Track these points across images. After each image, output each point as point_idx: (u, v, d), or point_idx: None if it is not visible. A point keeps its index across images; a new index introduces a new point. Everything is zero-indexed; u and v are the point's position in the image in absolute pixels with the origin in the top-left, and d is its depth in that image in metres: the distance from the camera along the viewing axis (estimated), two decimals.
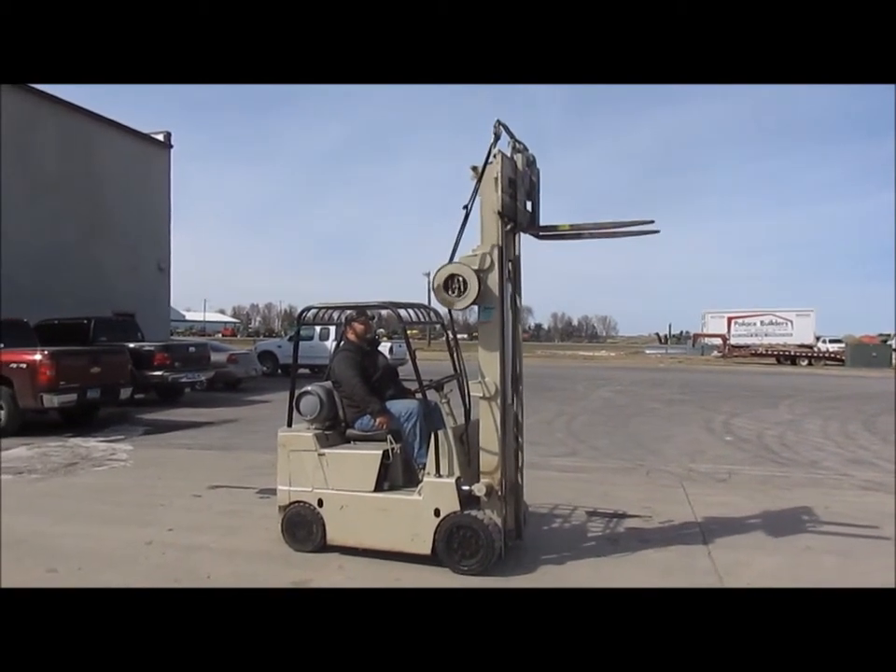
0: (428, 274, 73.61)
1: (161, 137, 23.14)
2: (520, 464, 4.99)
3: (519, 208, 4.83)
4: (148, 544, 5.14)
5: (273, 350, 22.79)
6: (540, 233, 5.19)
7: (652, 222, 4.83)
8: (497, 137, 4.52)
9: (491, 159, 4.50)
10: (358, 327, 5.29)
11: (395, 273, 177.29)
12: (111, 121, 21.02)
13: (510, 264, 4.83)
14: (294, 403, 5.14)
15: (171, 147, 23.49)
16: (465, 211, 4.52)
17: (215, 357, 16.35)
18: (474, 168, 4.54)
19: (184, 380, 14.25)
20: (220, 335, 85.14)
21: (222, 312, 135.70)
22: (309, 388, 5.14)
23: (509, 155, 4.75)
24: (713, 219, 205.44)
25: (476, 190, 4.53)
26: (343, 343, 5.38)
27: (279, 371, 22.19)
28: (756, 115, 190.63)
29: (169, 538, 5.31)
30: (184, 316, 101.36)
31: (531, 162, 5.08)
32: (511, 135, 4.79)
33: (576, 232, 5.09)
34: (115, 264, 20.32)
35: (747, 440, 10.79)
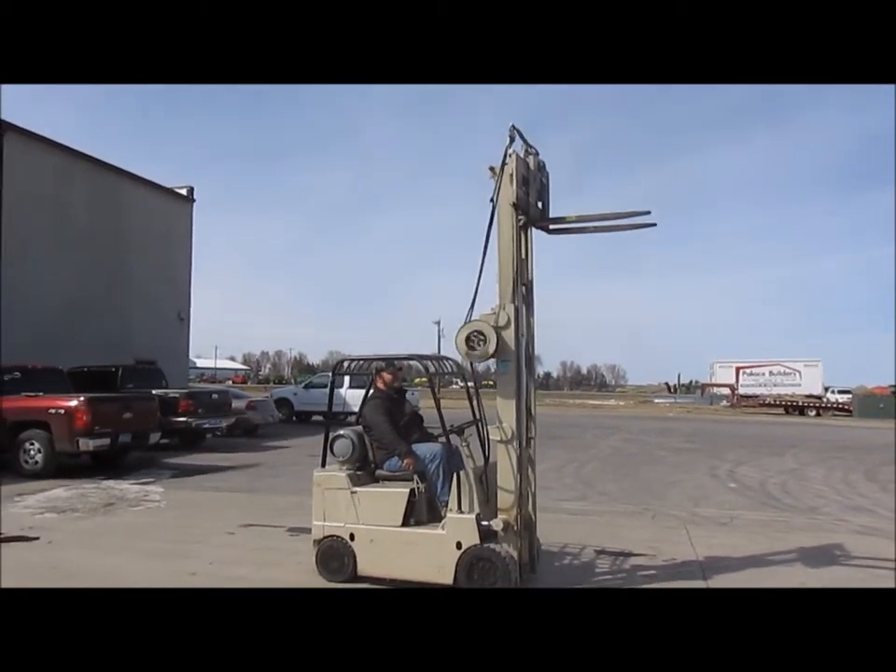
0: (438, 323, 74.94)
1: (184, 192, 24.16)
2: (533, 502, 5.48)
3: (531, 203, 5.44)
4: (193, 575, 5.61)
5: (288, 397, 23.35)
6: (550, 227, 5.76)
7: (649, 213, 5.42)
8: (512, 140, 5.16)
9: (507, 159, 5.13)
10: (387, 376, 5.84)
11: (404, 321, 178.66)
12: (138, 177, 22.02)
13: (523, 288, 5.38)
14: (328, 446, 5.66)
15: (193, 200, 24.49)
16: (491, 204, 5.13)
17: (234, 403, 16.91)
18: (492, 168, 5.17)
19: (206, 426, 14.80)
20: (231, 382, 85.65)
21: (232, 359, 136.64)
22: (342, 432, 5.66)
23: (522, 156, 5.36)
24: (722, 269, 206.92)
25: (498, 186, 5.12)
26: (373, 391, 5.92)
27: (294, 417, 22.74)
28: (765, 163, 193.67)
29: (211, 570, 5.78)
30: (195, 363, 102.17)
31: (541, 167, 5.69)
32: (524, 140, 5.40)
33: (581, 225, 5.69)
34: (137, 314, 21.06)
35: (750, 486, 11.19)
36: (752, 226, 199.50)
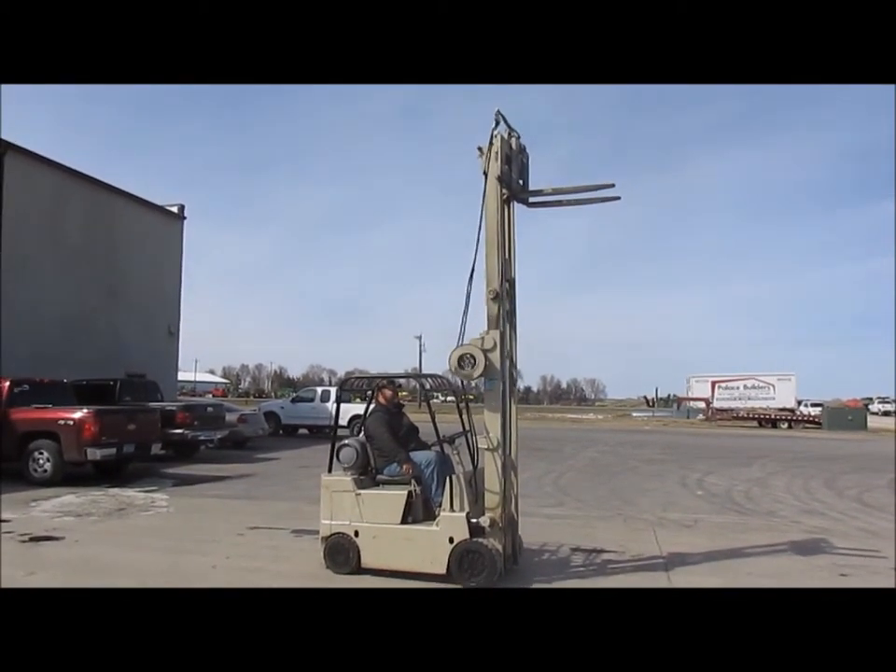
0: (420, 337, 76.58)
1: (175, 209, 24.79)
2: (516, 503, 6.23)
3: (514, 178, 6.20)
4: (214, 568, 6.30)
5: (276, 411, 23.96)
6: (530, 199, 6.51)
7: (613, 185, 6.23)
8: (498, 123, 5.94)
9: (493, 140, 5.91)
10: (387, 393, 6.59)
11: (386, 335, 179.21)
12: (131, 195, 22.65)
13: (507, 284, 6.05)
14: (335, 453, 6.38)
15: (184, 218, 25.11)
16: (484, 176, 5.87)
17: (227, 417, 17.54)
18: (480, 148, 5.96)
19: (201, 437, 15.41)
20: (210, 395, 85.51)
21: (212, 372, 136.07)
22: (347, 441, 6.40)
23: (506, 138, 6.10)
24: (701, 284, 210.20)
25: (486, 162, 5.88)
26: (374, 405, 6.66)
27: (280, 431, 23.37)
28: (743, 180, 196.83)
29: (229, 563, 6.47)
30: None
31: (522, 148, 6.43)
32: (508, 124, 6.13)
33: (557, 198, 6.51)
34: (129, 328, 21.63)
35: (716, 494, 12.02)
36: (729, 242, 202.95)
